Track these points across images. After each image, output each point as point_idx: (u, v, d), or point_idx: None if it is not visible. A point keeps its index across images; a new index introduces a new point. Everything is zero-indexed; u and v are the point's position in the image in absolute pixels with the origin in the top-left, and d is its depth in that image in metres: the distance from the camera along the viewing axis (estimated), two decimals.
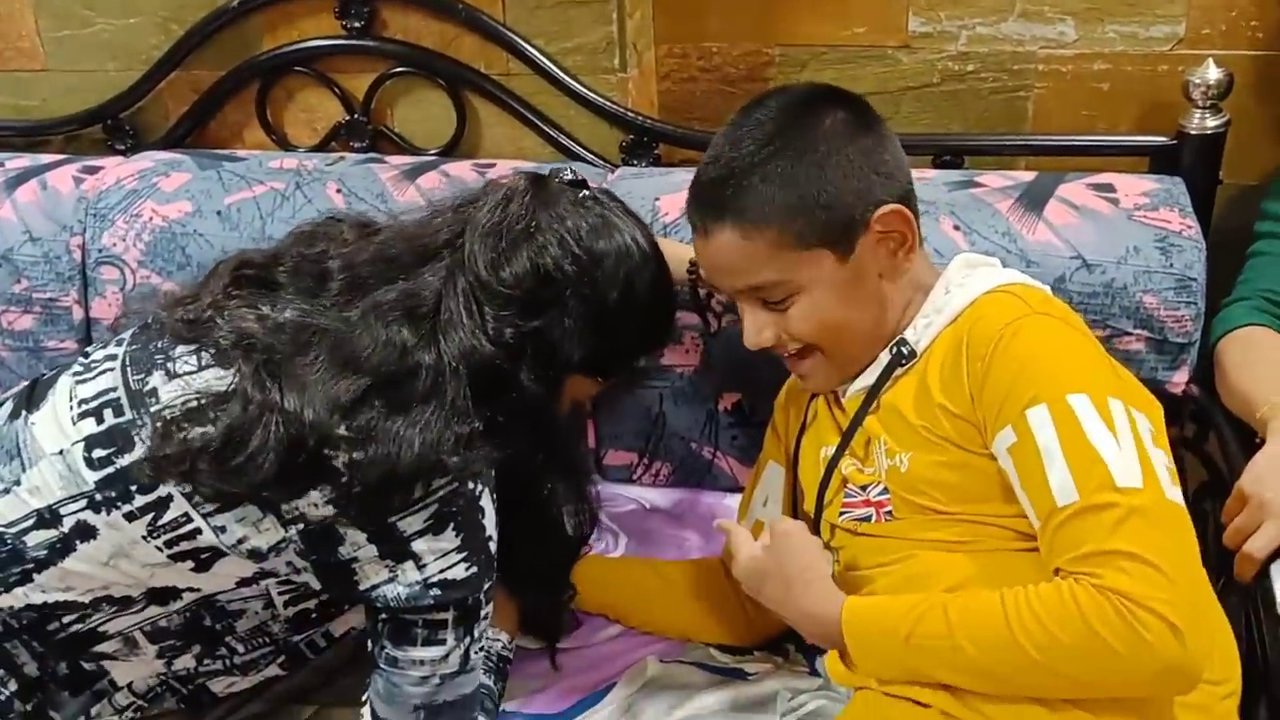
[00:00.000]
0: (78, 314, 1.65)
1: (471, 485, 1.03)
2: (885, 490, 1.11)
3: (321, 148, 1.76)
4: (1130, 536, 0.92)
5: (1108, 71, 1.62)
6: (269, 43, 1.71)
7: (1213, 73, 1.45)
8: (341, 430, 0.98)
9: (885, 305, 1.11)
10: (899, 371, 1.10)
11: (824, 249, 1.06)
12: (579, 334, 1.09)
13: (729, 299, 1.21)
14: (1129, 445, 0.95)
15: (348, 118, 1.74)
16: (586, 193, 1.16)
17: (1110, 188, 1.45)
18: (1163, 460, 0.97)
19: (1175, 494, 0.96)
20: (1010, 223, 1.42)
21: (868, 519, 1.13)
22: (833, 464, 1.16)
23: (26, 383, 1.16)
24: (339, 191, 1.60)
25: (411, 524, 1.01)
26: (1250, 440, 1.22)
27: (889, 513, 1.11)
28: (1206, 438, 1.39)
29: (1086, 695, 0.95)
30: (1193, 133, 1.48)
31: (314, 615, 1.15)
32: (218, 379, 1.02)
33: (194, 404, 1.01)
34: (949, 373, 1.05)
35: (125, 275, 1.62)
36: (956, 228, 1.43)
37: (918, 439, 1.07)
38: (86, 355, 1.12)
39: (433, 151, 1.72)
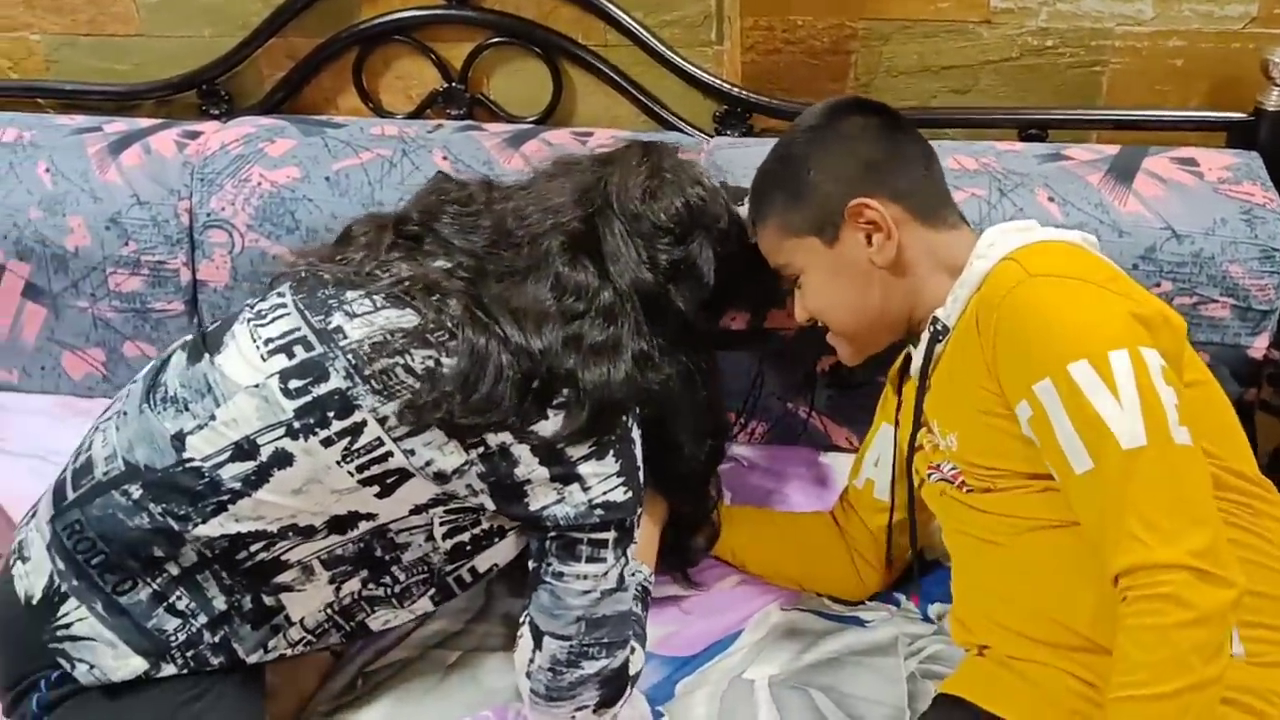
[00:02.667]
0: (185, 276, 1.69)
1: (625, 418, 1.15)
2: (954, 466, 1.19)
3: (417, 115, 1.80)
4: (1139, 508, 0.95)
5: (1182, 49, 1.69)
6: (367, 11, 1.74)
7: None
8: (566, 358, 1.10)
9: (892, 290, 1.19)
10: (939, 348, 1.18)
11: (812, 236, 1.20)
12: (715, 263, 1.25)
13: None
14: (1132, 401, 0.98)
15: (445, 86, 1.77)
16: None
17: (1193, 162, 1.53)
18: (1171, 400, 0.99)
19: (1182, 435, 0.98)
20: (1103, 194, 1.49)
21: (951, 482, 1.20)
22: (911, 443, 1.25)
23: (187, 338, 1.22)
24: (445, 158, 1.64)
25: (579, 449, 1.11)
26: None
27: (963, 483, 1.18)
28: None
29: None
30: (1271, 109, 1.56)
31: (468, 548, 1.22)
32: (398, 316, 1.11)
33: (380, 338, 1.10)
34: (969, 346, 1.11)
35: (234, 239, 1.66)
36: (1051, 199, 1.50)
37: (959, 417, 1.15)
38: (251, 307, 1.19)
39: (529, 119, 1.76)
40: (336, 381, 1.09)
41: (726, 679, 1.28)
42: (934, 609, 1.38)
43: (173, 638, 1.13)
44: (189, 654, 1.13)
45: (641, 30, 1.67)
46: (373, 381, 1.09)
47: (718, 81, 1.69)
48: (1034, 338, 1.04)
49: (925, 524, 1.39)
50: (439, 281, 1.14)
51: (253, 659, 1.17)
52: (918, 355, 1.21)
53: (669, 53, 1.68)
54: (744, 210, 1.33)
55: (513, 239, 1.19)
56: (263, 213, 1.64)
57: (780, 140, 1.27)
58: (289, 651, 1.20)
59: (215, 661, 1.14)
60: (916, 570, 1.36)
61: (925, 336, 1.19)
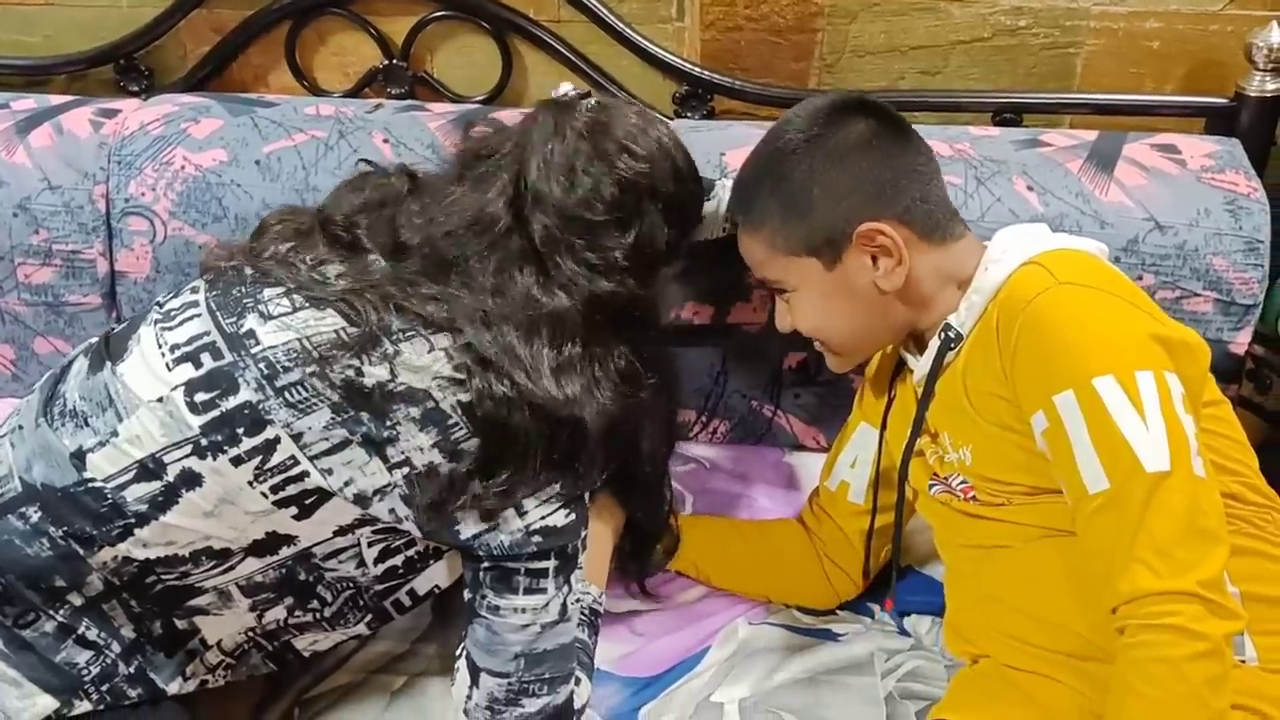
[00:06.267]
0: (102, 267, 1.56)
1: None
2: (965, 480, 1.13)
3: (354, 94, 1.69)
4: (1154, 534, 0.91)
5: (1159, 30, 1.63)
6: None
7: (1275, 35, 1.46)
8: (577, 403, 1.02)
9: (895, 311, 1.12)
10: (949, 356, 1.11)
11: (811, 257, 1.11)
12: (662, 227, 1.12)
13: None
14: (1157, 424, 0.94)
15: (385, 63, 1.66)
16: (597, 99, 1.16)
17: (1174, 149, 1.47)
18: (1192, 429, 0.96)
19: (1200, 467, 0.95)
20: (1083, 183, 1.43)
21: (959, 496, 1.14)
22: (908, 451, 1.18)
23: (91, 341, 1.13)
24: (386, 141, 1.53)
25: None
26: None
27: (974, 497, 1.12)
28: (1267, 395, 1.43)
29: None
30: (1252, 95, 1.50)
31: (401, 571, 1.13)
32: (317, 319, 1.02)
33: (296, 344, 1.00)
34: (987, 352, 1.05)
35: (155, 227, 1.54)
36: (1030, 188, 1.43)
37: (974, 430, 1.08)
38: (161, 305, 1.10)
39: (476, 99, 1.66)
40: (246, 394, 1.00)
41: (694, 702, 1.20)
42: (910, 622, 1.31)
43: (85, 671, 1.04)
44: (104, 688, 1.04)
45: (597, 5, 1.58)
46: (287, 394, 1.00)
47: (678, 61, 1.60)
48: (1058, 347, 0.98)
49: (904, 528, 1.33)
50: (389, 290, 1.03)
51: (173, 688, 1.08)
52: (924, 362, 1.13)
53: (627, 29, 1.58)
54: (710, 205, 1.24)
55: (447, 261, 1.07)
56: (186, 199, 1.52)
57: (773, 140, 1.14)
58: (210, 678, 1.12)
59: (133, 694, 1.05)
60: (895, 578, 1.29)
61: (934, 344, 1.11)
